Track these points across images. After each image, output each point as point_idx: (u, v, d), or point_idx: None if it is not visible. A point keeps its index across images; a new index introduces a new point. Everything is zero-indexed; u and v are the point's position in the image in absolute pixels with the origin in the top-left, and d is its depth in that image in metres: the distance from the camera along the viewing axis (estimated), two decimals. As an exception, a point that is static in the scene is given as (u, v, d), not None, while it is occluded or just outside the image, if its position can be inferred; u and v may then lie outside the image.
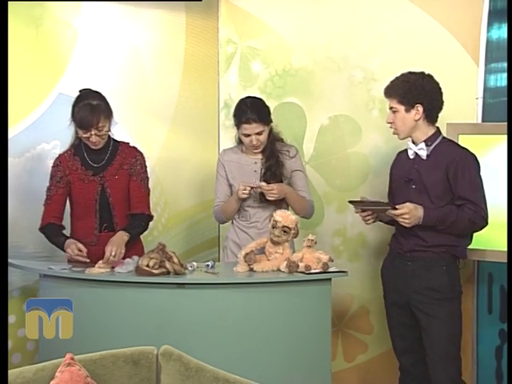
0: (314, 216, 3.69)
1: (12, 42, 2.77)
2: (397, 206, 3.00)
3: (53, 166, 3.32)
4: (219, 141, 4.14)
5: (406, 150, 3.19)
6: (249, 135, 3.37)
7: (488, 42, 3.65)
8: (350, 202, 3.15)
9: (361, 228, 3.95)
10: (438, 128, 3.13)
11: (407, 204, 3.00)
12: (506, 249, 3.03)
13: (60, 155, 3.34)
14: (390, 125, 3.14)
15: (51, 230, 3.27)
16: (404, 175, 3.14)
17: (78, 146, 3.31)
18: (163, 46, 4.03)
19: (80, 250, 3.14)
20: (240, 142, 3.47)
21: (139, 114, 3.91)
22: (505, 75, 3.60)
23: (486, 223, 3.04)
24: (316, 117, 4.01)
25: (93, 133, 3.18)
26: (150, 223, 3.40)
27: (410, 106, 3.05)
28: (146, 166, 3.37)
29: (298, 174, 3.47)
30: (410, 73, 3.10)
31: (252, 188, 3.34)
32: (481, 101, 3.66)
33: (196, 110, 4.10)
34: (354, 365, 4.01)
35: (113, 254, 3.09)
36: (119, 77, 3.86)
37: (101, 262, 3.09)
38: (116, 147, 3.33)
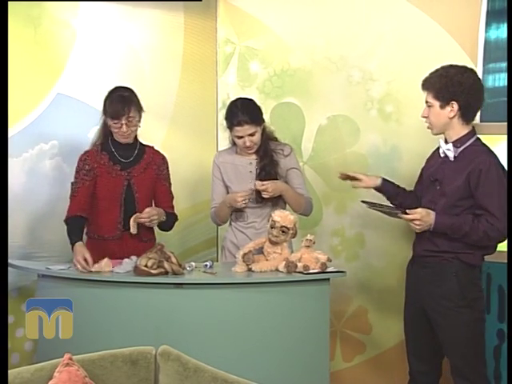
0: (313, 216, 3.69)
1: (10, 41, 2.76)
2: (408, 211, 2.91)
3: (80, 160, 3.33)
4: (217, 141, 4.14)
5: (436, 150, 3.10)
6: (242, 137, 3.36)
7: (486, 42, 3.65)
8: (363, 201, 3.09)
9: (359, 228, 3.96)
10: (473, 128, 2.98)
11: (419, 210, 2.92)
12: (506, 249, 3.02)
13: (86, 151, 3.36)
14: (424, 119, 3.01)
15: (74, 224, 3.22)
16: (431, 174, 3.04)
17: (105, 144, 3.35)
18: (161, 46, 4.03)
19: (85, 260, 3.07)
20: (234, 143, 3.47)
21: (137, 114, 3.90)
22: (503, 75, 3.61)
23: (504, 237, 2.89)
24: (314, 117, 4.01)
25: (123, 122, 3.23)
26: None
27: (445, 103, 2.91)
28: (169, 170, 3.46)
29: (293, 172, 3.46)
30: (450, 66, 2.93)
31: (248, 195, 3.32)
32: (479, 101, 3.66)
33: (194, 110, 4.10)
34: (352, 365, 4.01)
35: (150, 215, 3.20)
36: (117, 77, 3.85)
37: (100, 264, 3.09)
38: (143, 148, 3.40)
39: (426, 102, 2.97)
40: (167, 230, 3.45)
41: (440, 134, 3.02)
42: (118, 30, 3.89)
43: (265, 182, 3.32)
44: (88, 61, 3.77)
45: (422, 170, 3.17)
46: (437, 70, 2.96)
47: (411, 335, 3.14)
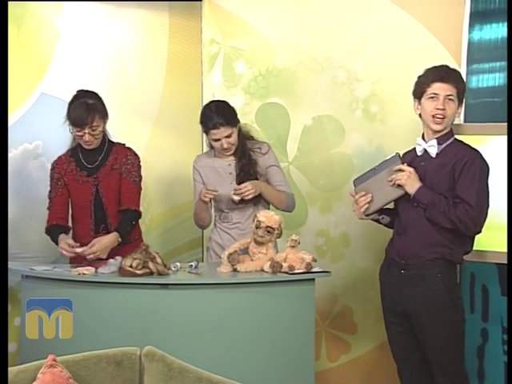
0: (298, 216, 3.69)
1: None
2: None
3: (50, 169, 3.34)
4: (202, 141, 4.12)
5: (411, 150, 3.09)
6: (219, 139, 3.35)
7: (469, 43, 3.68)
8: (354, 180, 3.06)
9: (344, 228, 3.97)
10: (451, 128, 3.01)
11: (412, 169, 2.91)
12: (490, 249, 3.04)
13: (58, 157, 3.35)
14: (437, 112, 2.92)
15: (54, 232, 3.27)
16: None
17: (75, 148, 3.33)
18: (146, 46, 4.02)
19: (70, 246, 3.13)
20: (211, 146, 3.45)
21: (122, 115, 3.89)
22: (486, 76, 3.64)
23: (476, 228, 2.90)
24: (299, 117, 4.02)
25: (86, 131, 3.19)
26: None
27: (459, 101, 2.95)
28: (138, 166, 3.36)
29: (273, 169, 3.45)
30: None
31: (212, 192, 3.28)
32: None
33: (179, 110, 4.09)
34: (337, 365, 4.02)
35: (91, 256, 3.08)
36: (102, 77, 3.85)
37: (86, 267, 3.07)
38: (110, 148, 3.33)
39: (449, 95, 2.91)
40: (129, 230, 3.28)
41: (443, 130, 2.97)
42: (102, 30, 3.87)
43: (241, 185, 3.30)
44: (72, 61, 3.75)
45: None
46: (453, 69, 2.98)
47: (395, 342, 3.09)
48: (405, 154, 3.14)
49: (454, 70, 3.00)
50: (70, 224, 3.36)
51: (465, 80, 3.64)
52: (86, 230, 3.30)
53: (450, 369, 2.97)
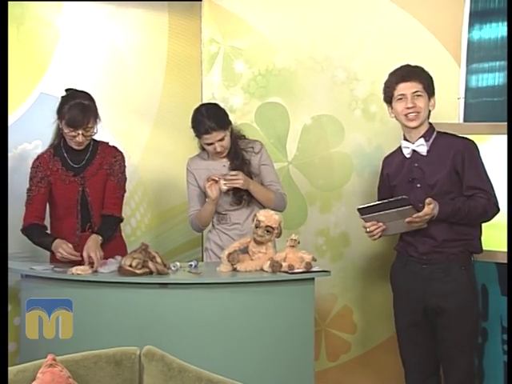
0: (297, 216, 3.69)
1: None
2: (426, 206, 2.85)
3: (32, 167, 3.29)
4: (202, 141, 4.14)
5: (396, 152, 3.12)
6: (212, 143, 3.33)
7: (469, 42, 3.68)
8: (359, 209, 3.00)
9: (344, 228, 3.97)
10: (430, 123, 3.06)
11: (431, 206, 2.86)
12: (490, 248, 3.04)
13: (39, 156, 3.31)
14: (408, 110, 2.98)
15: (34, 231, 3.24)
16: (405, 176, 3.02)
17: (58, 146, 3.29)
18: (146, 46, 4.02)
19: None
20: (203, 148, 3.42)
21: (122, 114, 3.90)
22: (486, 75, 3.64)
23: (498, 210, 2.95)
24: (299, 117, 4.02)
25: (80, 132, 3.17)
26: (133, 223, 3.39)
27: (430, 95, 3.00)
28: (124, 166, 3.35)
29: (265, 169, 3.43)
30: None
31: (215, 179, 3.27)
32: (462, 101, 3.69)
33: (179, 109, 4.08)
34: (337, 364, 4.02)
35: (98, 257, 3.06)
36: (101, 76, 3.85)
37: (82, 267, 3.05)
38: (96, 147, 3.31)
39: (415, 92, 2.98)
40: (110, 234, 3.25)
41: (418, 127, 3.01)
42: (101, 30, 3.87)
43: (232, 173, 3.26)
44: (72, 60, 3.75)
45: (387, 176, 3.14)
46: (413, 67, 3.03)
47: (408, 340, 3.06)
48: (387, 157, 3.17)
49: (416, 67, 3.04)
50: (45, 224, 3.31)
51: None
52: (71, 230, 3.27)
53: (463, 368, 2.96)
